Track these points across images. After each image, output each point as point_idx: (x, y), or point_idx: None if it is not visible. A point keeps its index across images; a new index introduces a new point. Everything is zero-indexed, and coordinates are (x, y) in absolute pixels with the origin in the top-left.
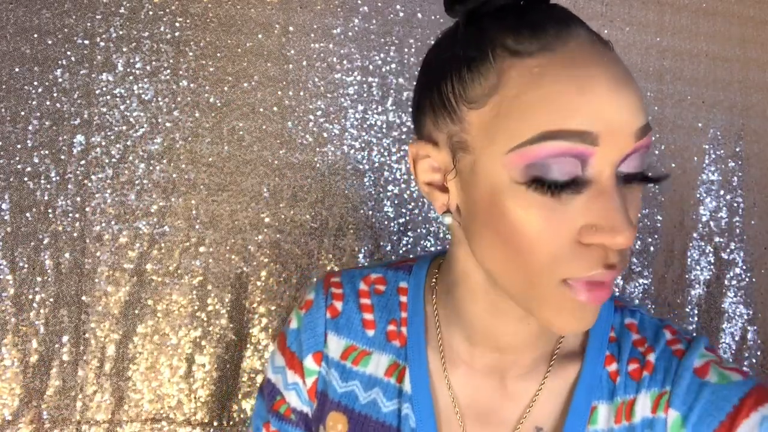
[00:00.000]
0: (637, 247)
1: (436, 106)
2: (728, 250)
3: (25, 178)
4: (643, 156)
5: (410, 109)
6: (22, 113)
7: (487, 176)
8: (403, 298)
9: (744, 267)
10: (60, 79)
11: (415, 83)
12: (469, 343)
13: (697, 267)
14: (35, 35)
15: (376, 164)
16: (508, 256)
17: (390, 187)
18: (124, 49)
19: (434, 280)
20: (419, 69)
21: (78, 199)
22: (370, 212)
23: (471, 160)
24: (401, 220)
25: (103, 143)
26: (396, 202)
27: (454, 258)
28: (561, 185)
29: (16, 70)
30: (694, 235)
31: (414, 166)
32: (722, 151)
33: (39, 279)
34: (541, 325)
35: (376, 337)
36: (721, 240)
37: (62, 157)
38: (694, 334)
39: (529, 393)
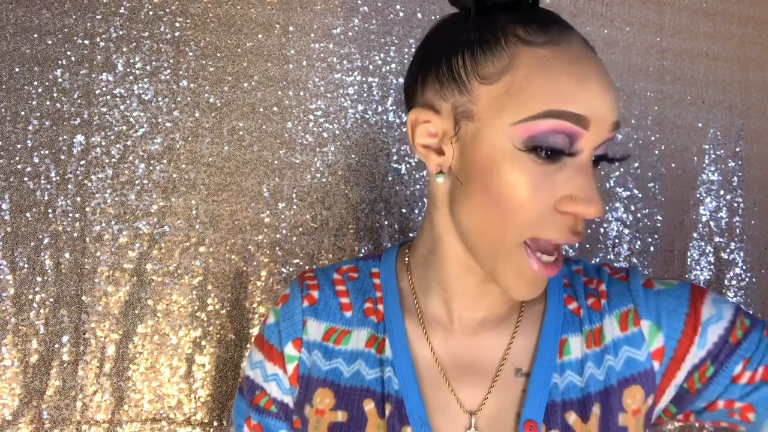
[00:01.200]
0: (637, 247)
1: (443, 78)
2: (728, 250)
3: (25, 178)
4: (609, 144)
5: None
6: (22, 113)
7: (489, 143)
8: (377, 281)
9: (744, 267)
10: (60, 79)
11: (411, 59)
12: (446, 306)
13: (697, 267)
14: (35, 35)
15: (377, 164)
16: (492, 215)
17: (390, 187)
18: (124, 49)
19: (406, 259)
20: (418, 47)
21: (78, 199)
22: (370, 212)
23: (475, 128)
24: (401, 220)
25: (103, 143)
26: (396, 202)
27: (430, 224)
28: (553, 156)
29: (16, 70)
30: (694, 235)
31: (413, 130)
32: (722, 151)
33: (39, 279)
34: (502, 290)
35: (354, 317)
36: (721, 240)
37: (62, 157)
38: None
39: (504, 341)
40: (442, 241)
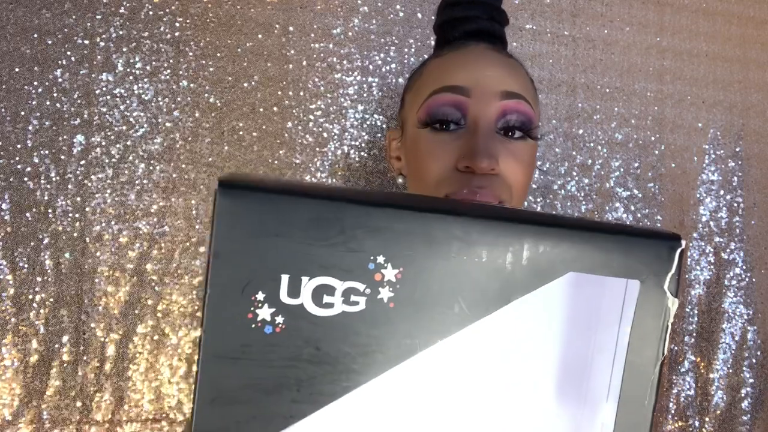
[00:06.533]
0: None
1: (401, 102)
2: (728, 250)
3: (25, 178)
4: (520, 118)
5: None
6: (22, 113)
7: (409, 135)
8: None
9: (744, 267)
10: (60, 79)
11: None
12: None
13: (697, 267)
14: (35, 35)
15: (377, 164)
16: (418, 183)
17: (390, 187)
18: (124, 49)
19: None
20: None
21: (78, 199)
22: None
23: (406, 131)
24: None
25: (103, 143)
26: None
27: None
28: (445, 125)
29: (16, 70)
30: (694, 235)
31: (388, 147)
32: (722, 151)
33: (39, 279)
34: None
35: None
36: (721, 240)
37: (62, 157)
38: None
39: None
40: None
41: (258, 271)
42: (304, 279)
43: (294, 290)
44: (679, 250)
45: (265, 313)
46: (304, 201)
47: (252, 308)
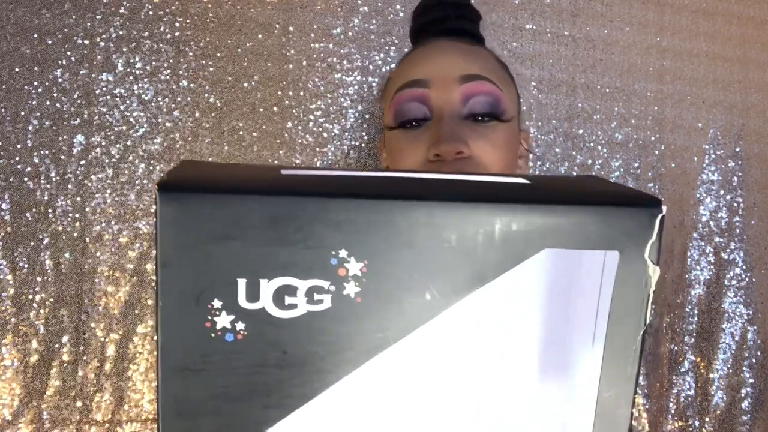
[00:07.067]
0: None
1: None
2: (728, 250)
3: (25, 178)
4: (486, 99)
5: None
6: (22, 113)
7: (387, 138)
8: None
9: (744, 267)
10: (60, 79)
11: None
12: None
13: (697, 267)
14: (35, 35)
15: (377, 164)
16: None
17: None
18: (124, 49)
19: None
20: None
21: (78, 199)
22: None
23: (385, 135)
24: None
25: (103, 143)
26: None
27: None
28: (413, 123)
29: (16, 70)
30: (694, 235)
31: (380, 153)
32: (722, 151)
33: (39, 279)
34: None
35: None
36: (721, 240)
37: (62, 157)
38: None
39: None
40: None
41: (212, 278)
42: (263, 281)
43: (253, 294)
44: (659, 217)
45: (224, 320)
46: (255, 199)
47: (209, 317)
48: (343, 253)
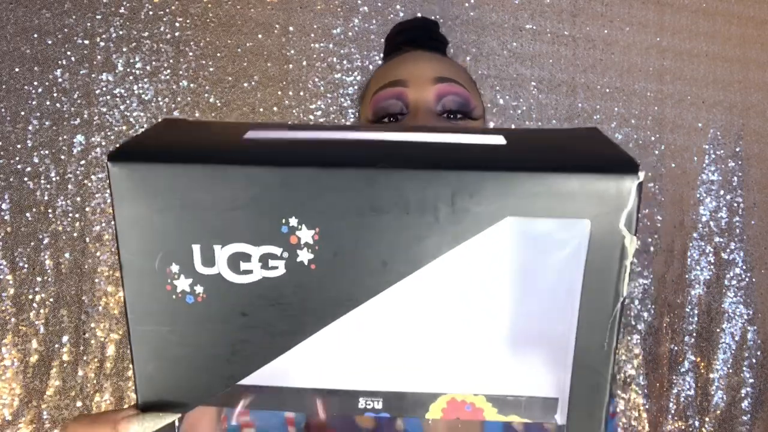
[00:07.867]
0: (636, 247)
1: (359, 115)
2: (728, 250)
3: (25, 178)
4: (457, 99)
5: None
6: (22, 113)
7: None
8: None
9: (744, 267)
10: (60, 79)
11: None
12: None
13: (697, 267)
14: (35, 35)
15: None
16: None
17: None
18: (124, 49)
19: None
20: None
21: (78, 199)
22: None
23: None
24: None
25: (103, 143)
26: None
27: None
28: (391, 118)
29: (16, 70)
30: (694, 235)
31: None
32: (722, 151)
33: (39, 279)
34: None
35: None
36: (721, 240)
37: (62, 157)
38: None
39: None
40: None
41: (167, 244)
42: (217, 247)
43: (208, 259)
44: (636, 184)
45: (183, 284)
46: (204, 168)
47: (169, 280)
48: (293, 221)
